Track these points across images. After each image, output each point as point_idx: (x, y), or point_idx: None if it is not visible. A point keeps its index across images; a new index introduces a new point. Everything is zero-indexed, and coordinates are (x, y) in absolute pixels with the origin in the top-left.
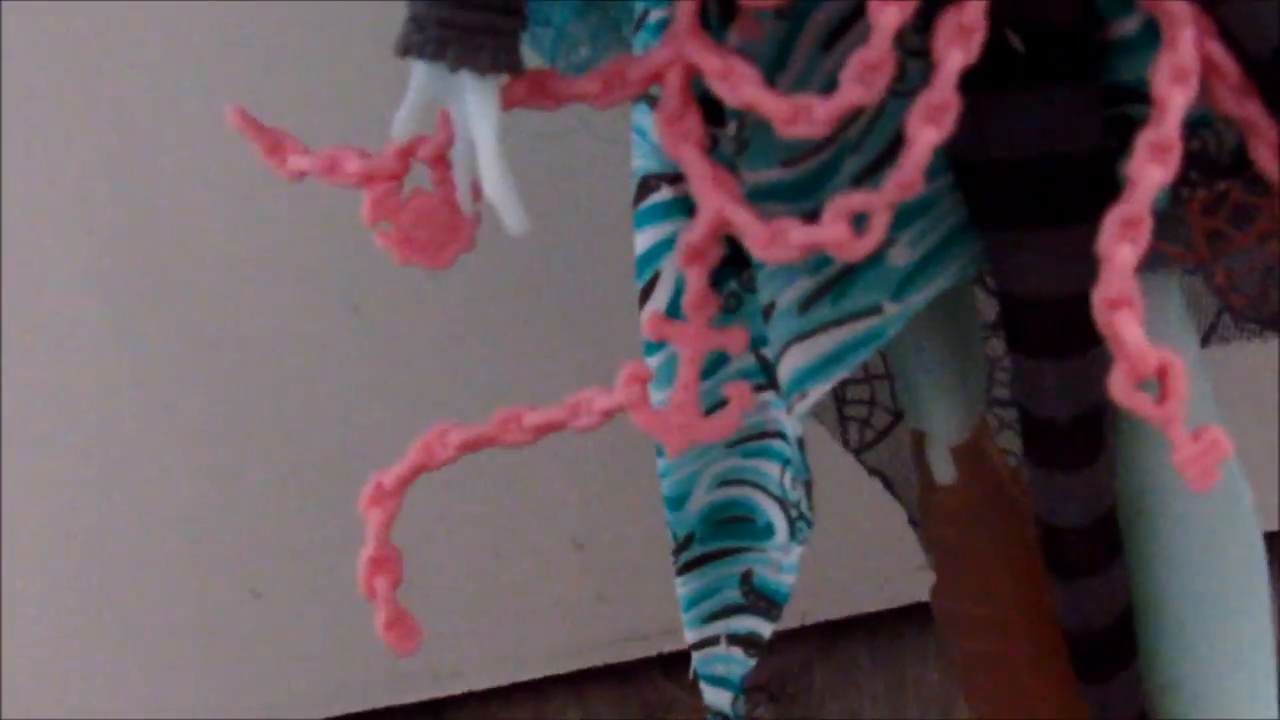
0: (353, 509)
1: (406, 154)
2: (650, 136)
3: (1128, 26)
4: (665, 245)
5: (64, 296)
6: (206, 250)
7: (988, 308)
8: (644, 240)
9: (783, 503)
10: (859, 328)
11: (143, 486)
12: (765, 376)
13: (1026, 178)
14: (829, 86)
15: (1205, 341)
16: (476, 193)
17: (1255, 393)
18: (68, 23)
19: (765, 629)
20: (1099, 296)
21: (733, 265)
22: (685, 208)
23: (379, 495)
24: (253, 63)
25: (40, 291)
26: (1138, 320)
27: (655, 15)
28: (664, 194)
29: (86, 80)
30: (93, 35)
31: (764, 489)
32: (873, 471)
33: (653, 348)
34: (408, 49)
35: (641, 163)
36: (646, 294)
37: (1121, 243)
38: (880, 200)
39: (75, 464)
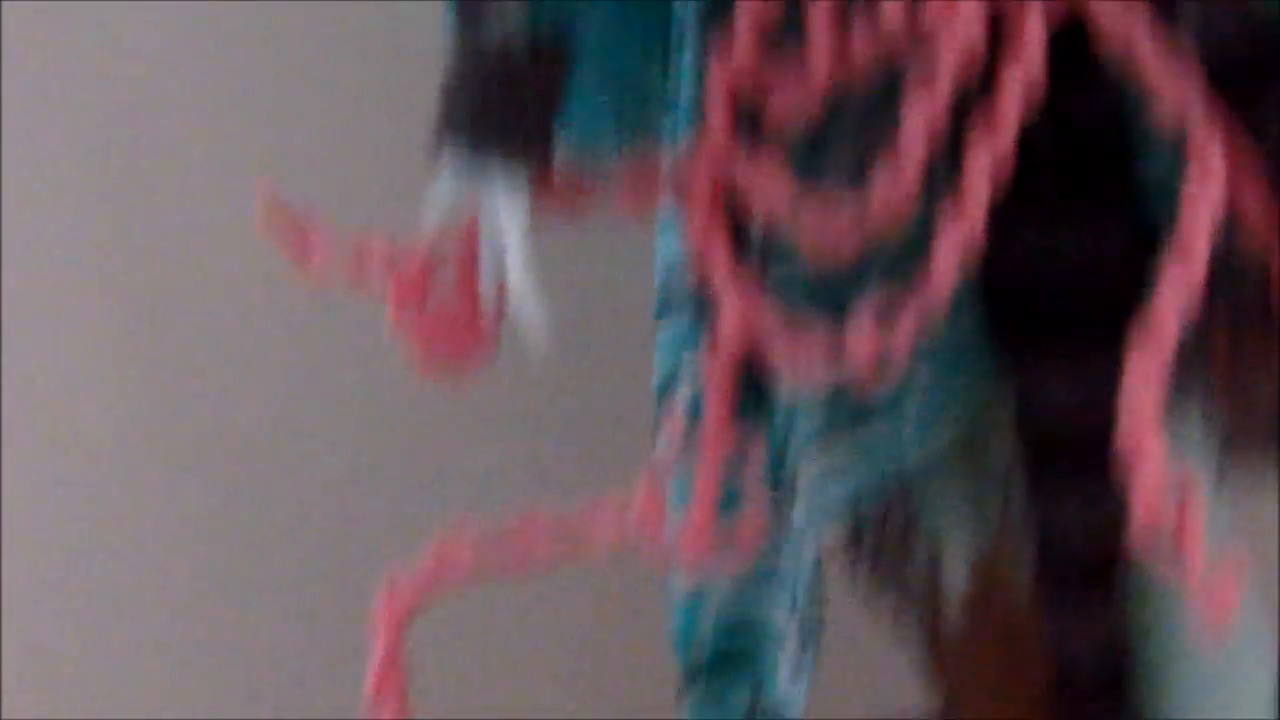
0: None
1: (434, 250)
2: (677, 237)
3: (1159, 161)
4: (685, 345)
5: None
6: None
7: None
8: (664, 340)
9: (790, 626)
10: (881, 461)
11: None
12: (777, 505)
13: (1054, 308)
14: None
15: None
16: (501, 296)
17: None
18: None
19: None
20: (1123, 434)
21: (749, 397)
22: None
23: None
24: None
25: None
26: (1161, 461)
27: (685, 96)
28: (687, 293)
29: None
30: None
31: (773, 618)
32: (876, 584)
33: None
34: (441, 144)
35: (665, 255)
36: (663, 397)
37: (1146, 379)
38: (909, 301)
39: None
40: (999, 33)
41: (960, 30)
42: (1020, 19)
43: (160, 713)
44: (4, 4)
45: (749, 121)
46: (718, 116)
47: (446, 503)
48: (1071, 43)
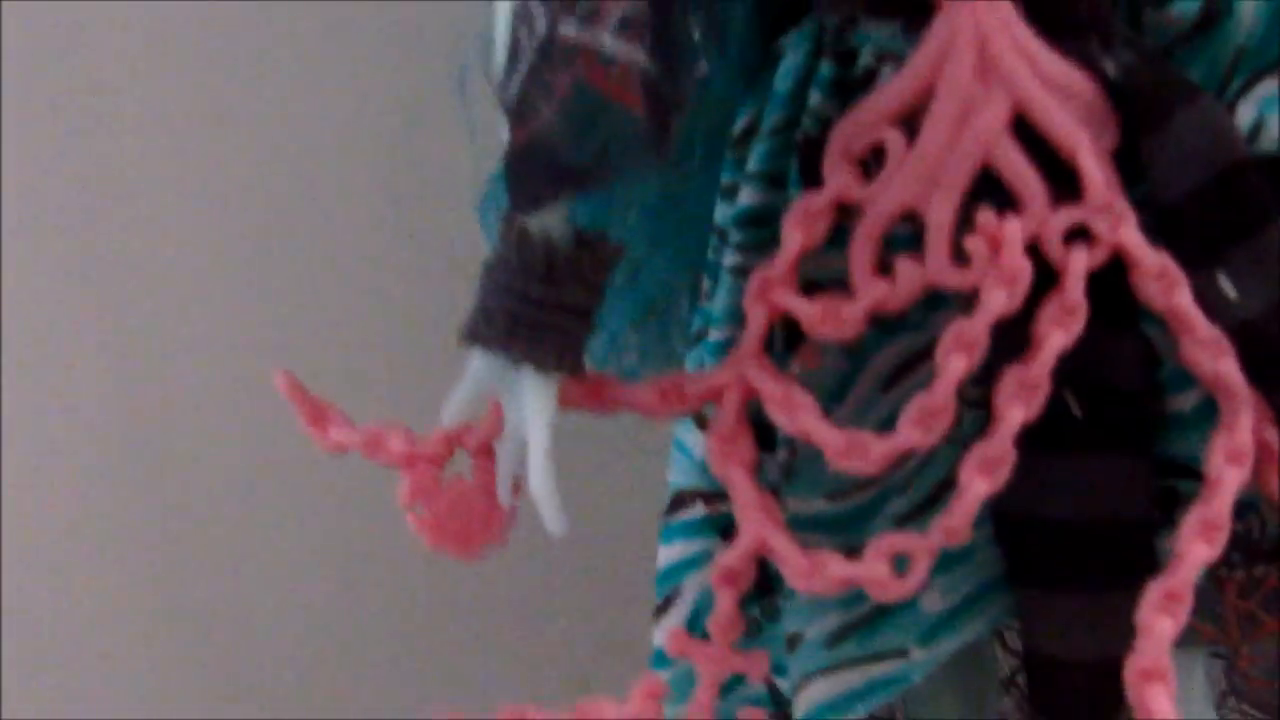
0: None
1: (453, 441)
2: (693, 452)
3: (1186, 401)
4: (691, 563)
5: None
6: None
7: (1003, 663)
8: (670, 554)
9: None
10: (885, 669)
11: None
12: (775, 706)
13: (1070, 540)
14: (885, 425)
15: None
16: (516, 488)
17: None
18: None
19: None
20: (1133, 667)
21: (758, 591)
22: (717, 526)
23: None
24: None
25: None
26: (1170, 695)
27: (715, 335)
28: (698, 510)
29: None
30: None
31: None
32: None
33: (664, 662)
34: (474, 339)
35: (679, 478)
36: (664, 608)
37: (1162, 615)
38: (924, 545)
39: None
40: (1040, 268)
41: (1005, 268)
42: (1065, 262)
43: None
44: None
45: (783, 342)
46: (752, 333)
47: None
48: (1109, 281)
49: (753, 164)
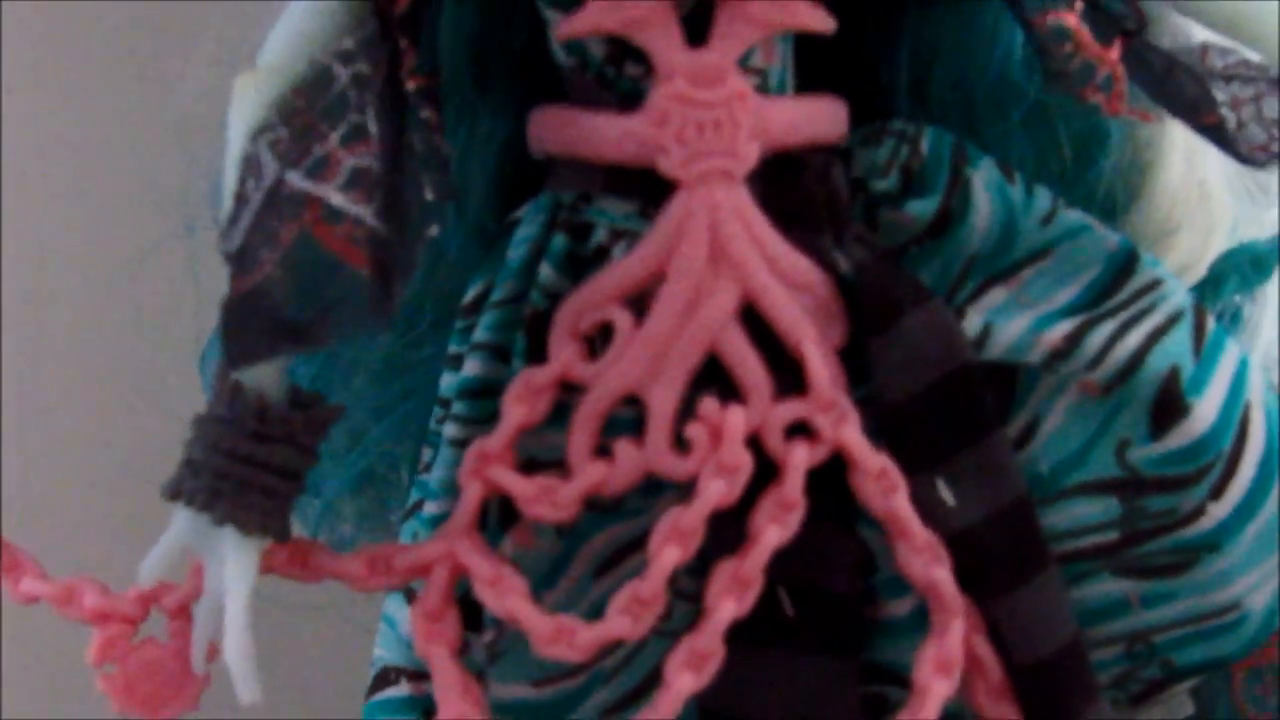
0: None
1: (149, 600)
2: (400, 628)
3: (900, 608)
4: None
5: None
6: None
7: None
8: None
9: None
10: None
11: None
12: None
13: None
14: (596, 612)
15: None
16: (212, 653)
17: None
18: None
19: None
20: None
21: None
22: (420, 707)
23: None
24: None
25: None
26: None
27: (430, 508)
28: (402, 689)
29: None
30: None
31: None
32: None
33: None
34: (176, 494)
35: (384, 653)
36: None
37: None
38: None
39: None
40: (761, 461)
41: (725, 460)
42: (785, 457)
43: None
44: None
45: (498, 519)
46: (465, 509)
47: None
48: (829, 479)
49: (479, 334)
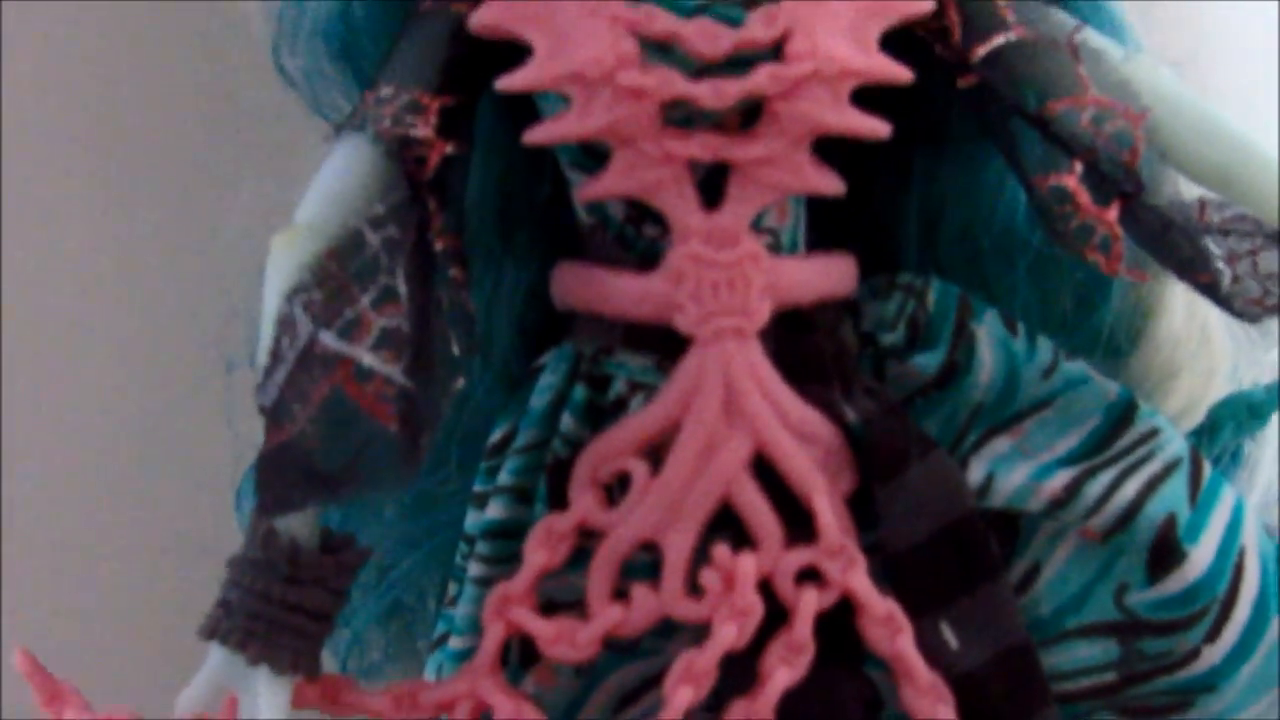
0: None
1: None
2: None
3: None
4: None
5: None
6: None
7: None
8: None
9: None
10: None
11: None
12: None
13: None
14: None
15: None
16: None
17: None
18: None
19: None
20: None
21: None
22: None
23: None
24: None
25: None
26: None
27: (455, 643)
28: None
29: None
30: None
31: None
32: None
33: None
34: (212, 633)
35: None
36: None
37: None
38: None
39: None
40: (772, 605)
41: (737, 604)
42: (795, 601)
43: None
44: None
45: (519, 657)
46: (488, 648)
47: None
48: (837, 622)
49: (503, 477)
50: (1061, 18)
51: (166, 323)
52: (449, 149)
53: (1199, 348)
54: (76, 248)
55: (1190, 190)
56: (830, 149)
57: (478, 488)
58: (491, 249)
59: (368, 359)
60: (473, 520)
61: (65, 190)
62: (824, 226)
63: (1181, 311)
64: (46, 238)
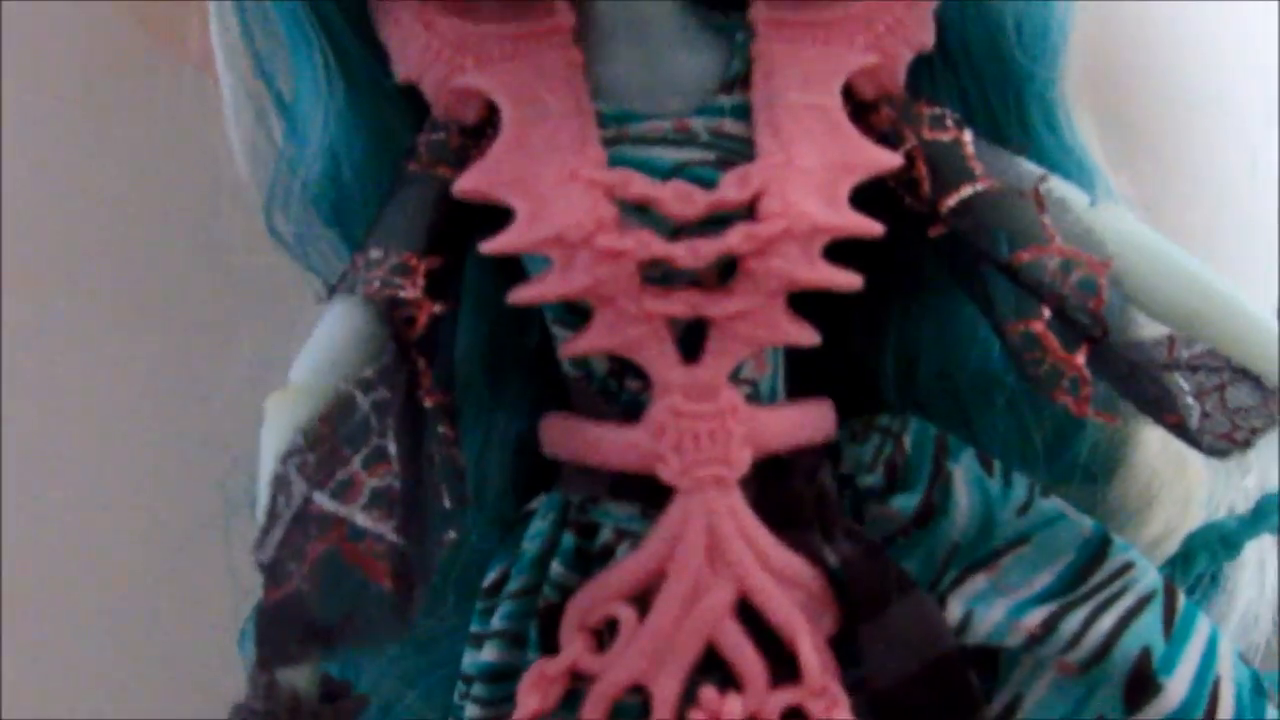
0: None
1: None
2: None
3: None
4: None
5: None
6: None
7: None
8: None
9: None
10: None
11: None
12: None
13: None
14: None
15: None
16: None
17: None
18: None
19: None
20: None
21: None
22: None
23: None
24: None
25: None
26: None
27: None
28: None
29: None
30: None
31: None
32: None
33: None
34: None
35: None
36: None
37: None
38: None
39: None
40: None
41: None
42: None
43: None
44: None
45: None
46: None
47: None
48: None
49: (497, 622)
50: (1028, 168)
51: (168, 472)
52: (436, 308)
53: (1175, 476)
54: (78, 400)
55: (1159, 327)
56: (806, 297)
57: (474, 629)
58: (481, 400)
59: (360, 518)
60: (469, 661)
61: (66, 339)
62: (802, 369)
63: (1157, 441)
64: (49, 387)
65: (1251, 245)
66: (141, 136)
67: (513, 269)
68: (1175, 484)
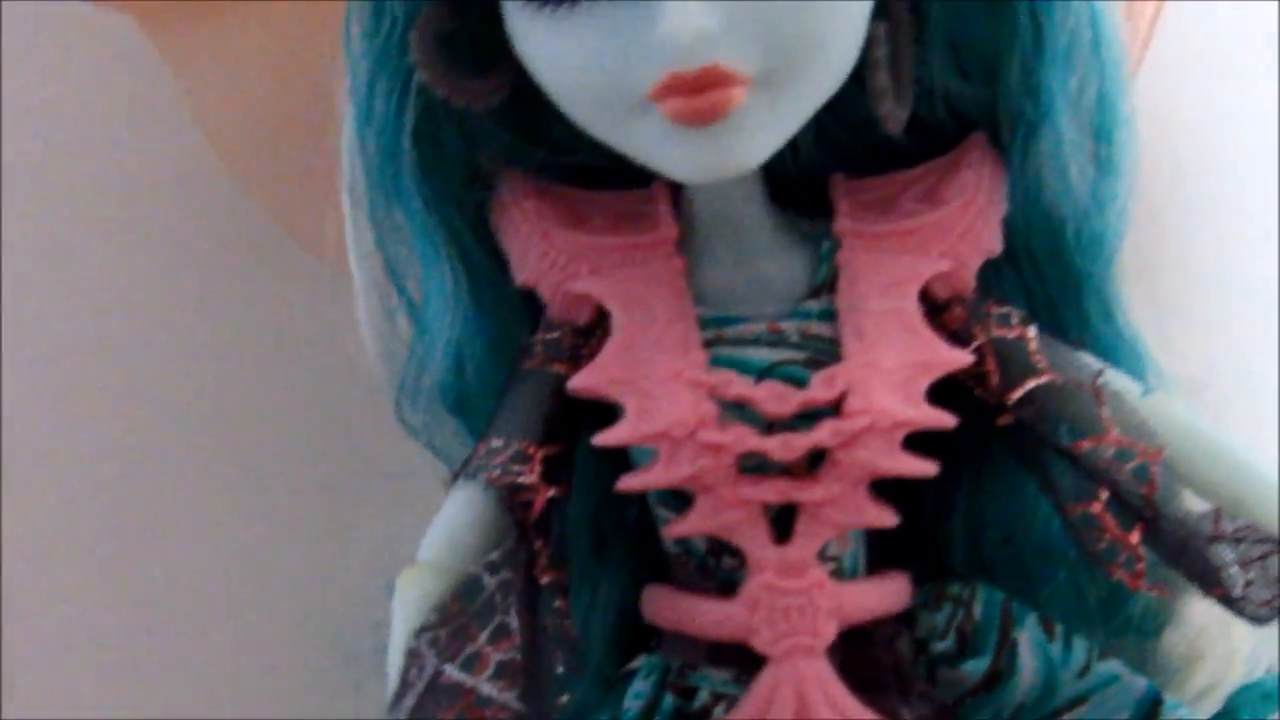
0: None
1: None
2: None
3: None
4: None
5: None
6: None
7: None
8: None
9: None
10: None
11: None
12: None
13: None
14: None
15: None
16: None
17: None
18: None
19: None
20: None
21: None
22: None
23: None
24: None
25: None
26: None
27: None
28: None
29: None
30: None
31: None
32: None
33: None
34: None
35: None
36: None
37: None
38: None
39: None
40: None
41: None
42: None
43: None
44: None
45: None
46: None
47: None
48: None
49: None
50: (1086, 360)
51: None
52: (552, 492)
53: (1219, 633)
54: (222, 565)
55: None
56: (886, 480)
57: None
58: (586, 569)
59: (486, 688)
60: None
61: (192, 528)
62: (881, 541)
63: (1203, 601)
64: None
65: None
66: (272, 326)
67: (618, 453)
68: (1220, 641)
